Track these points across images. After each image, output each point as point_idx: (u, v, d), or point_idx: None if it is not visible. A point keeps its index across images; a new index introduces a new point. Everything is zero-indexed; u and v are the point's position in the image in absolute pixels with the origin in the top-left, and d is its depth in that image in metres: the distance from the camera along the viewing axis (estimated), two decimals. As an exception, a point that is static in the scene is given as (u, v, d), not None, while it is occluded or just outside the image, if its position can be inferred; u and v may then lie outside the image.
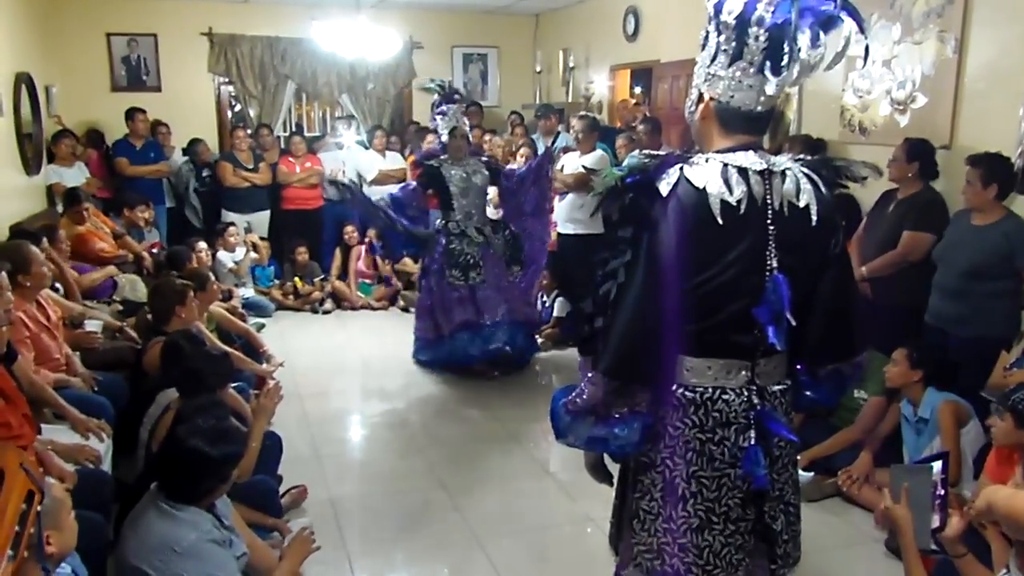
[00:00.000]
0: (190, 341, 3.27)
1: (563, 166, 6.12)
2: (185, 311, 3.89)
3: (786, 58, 1.70)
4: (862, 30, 1.73)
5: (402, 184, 6.65)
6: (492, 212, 5.90)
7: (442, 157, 5.53)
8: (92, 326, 4.57)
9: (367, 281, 7.70)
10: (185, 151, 8.03)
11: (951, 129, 4.19)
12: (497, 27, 9.56)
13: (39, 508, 2.21)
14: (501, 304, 5.42)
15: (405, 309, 7.37)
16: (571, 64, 8.50)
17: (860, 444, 3.81)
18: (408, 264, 7.66)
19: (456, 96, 5.57)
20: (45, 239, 4.44)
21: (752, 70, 1.75)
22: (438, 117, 5.56)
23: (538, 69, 9.18)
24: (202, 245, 6.48)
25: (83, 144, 7.49)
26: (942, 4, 4.19)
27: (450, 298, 5.42)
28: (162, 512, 2.25)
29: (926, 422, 3.50)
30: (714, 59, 1.80)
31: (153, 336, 3.87)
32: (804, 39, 1.69)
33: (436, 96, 5.57)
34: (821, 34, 1.71)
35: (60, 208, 6.35)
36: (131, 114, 7.59)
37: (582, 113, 6.63)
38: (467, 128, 5.66)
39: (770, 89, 1.75)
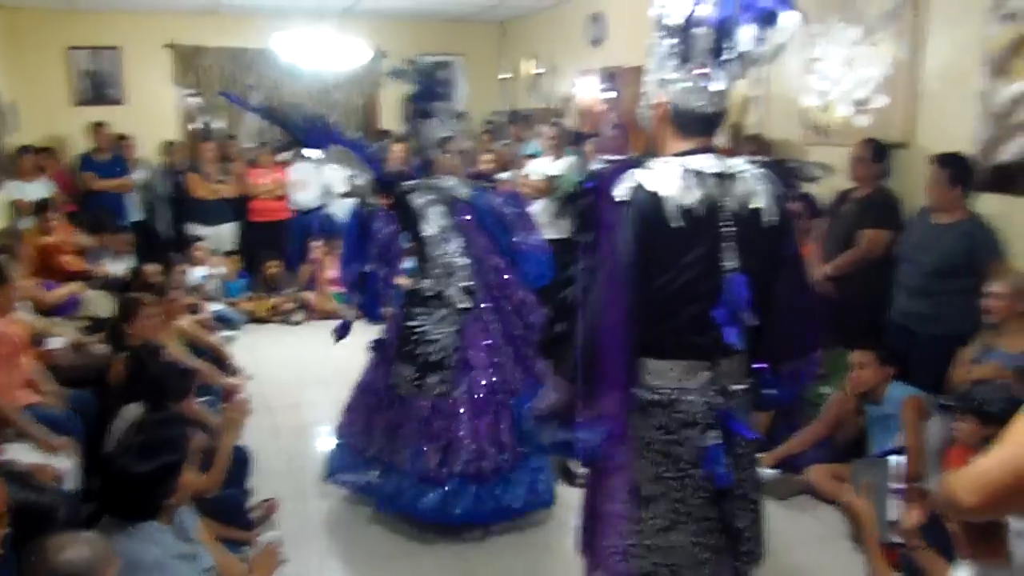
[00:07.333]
0: (150, 354, 3.25)
1: (528, 173, 6.14)
2: (135, 328, 3.87)
3: (727, 53, 1.73)
4: (803, 22, 1.76)
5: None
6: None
7: (416, 181, 3.56)
8: (57, 342, 4.51)
9: (341, 291, 7.64)
10: (163, 150, 8.02)
11: (909, 129, 4.25)
12: (462, 35, 9.56)
13: (7, 531, 2.18)
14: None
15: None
16: (537, 71, 8.52)
17: (827, 441, 3.84)
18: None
19: (439, 90, 3.63)
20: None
21: (701, 70, 1.77)
22: (417, 123, 3.58)
23: (504, 76, 9.19)
24: (182, 267, 6.45)
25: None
26: (898, 5, 4.26)
27: (381, 405, 3.51)
28: (122, 531, 2.23)
29: (891, 417, 3.54)
30: (664, 63, 1.82)
31: (119, 351, 3.84)
32: (745, 33, 1.71)
33: (411, 89, 3.60)
34: (763, 29, 1.74)
35: (24, 223, 6.26)
36: (93, 127, 7.53)
37: (553, 120, 6.66)
38: (463, 140, 3.71)
39: (716, 87, 1.77)
